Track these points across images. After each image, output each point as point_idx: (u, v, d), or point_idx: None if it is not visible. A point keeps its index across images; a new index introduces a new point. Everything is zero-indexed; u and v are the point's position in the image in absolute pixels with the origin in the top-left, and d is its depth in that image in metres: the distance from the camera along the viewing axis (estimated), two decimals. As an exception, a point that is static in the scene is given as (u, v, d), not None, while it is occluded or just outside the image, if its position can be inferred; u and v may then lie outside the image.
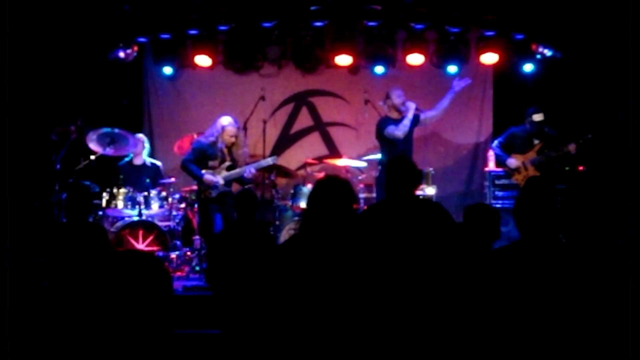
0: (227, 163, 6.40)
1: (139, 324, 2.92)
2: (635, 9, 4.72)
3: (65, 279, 4.68)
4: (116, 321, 2.94)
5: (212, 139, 6.34)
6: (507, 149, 6.80)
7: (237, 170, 6.40)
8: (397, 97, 6.47)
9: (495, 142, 7.00)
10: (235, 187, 6.58)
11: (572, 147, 6.46)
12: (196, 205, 6.72)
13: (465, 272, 3.47)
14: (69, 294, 3.93)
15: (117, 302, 2.98)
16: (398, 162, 3.79)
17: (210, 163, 6.34)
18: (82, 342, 2.98)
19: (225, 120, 6.37)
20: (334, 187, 2.86)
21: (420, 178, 3.78)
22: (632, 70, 4.55)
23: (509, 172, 6.74)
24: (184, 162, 6.33)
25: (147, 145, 7.21)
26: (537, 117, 6.61)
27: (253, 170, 6.46)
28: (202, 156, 6.32)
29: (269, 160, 6.68)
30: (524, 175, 6.66)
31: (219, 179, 6.29)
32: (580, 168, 6.76)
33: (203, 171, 6.27)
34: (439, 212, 3.69)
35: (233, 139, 6.38)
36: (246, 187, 6.87)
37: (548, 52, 7.34)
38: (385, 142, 6.40)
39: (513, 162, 6.74)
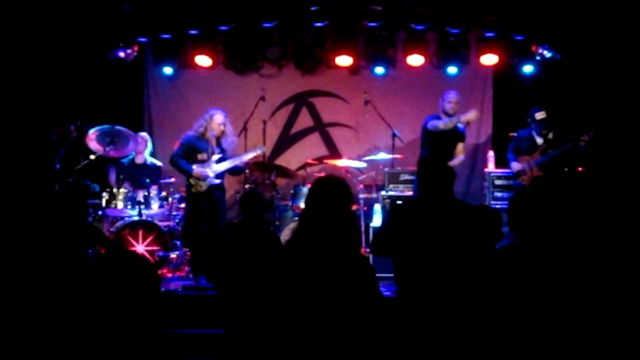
0: (217, 155, 6.25)
1: (125, 324, 2.93)
2: (635, 11, 4.73)
3: (56, 278, 4.69)
4: (102, 320, 2.94)
5: (200, 129, 6.18)
6: (517, 152, 6.85)
7: (227, 162, 6.27)
8: (446, 102, 6.51)
9: (509, 146, 7.01)
10: (228, 180, 6.52)
11: (586, 137, 6.40)
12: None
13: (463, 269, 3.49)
14: (58, 293, 3.94)
15: (102, 301, 2.99)
16: (431, 161, 3.79)
17: (200, 156, 6.18)
18: (71, 340, 2.99)
19: (214, 110, 6.28)
20: (330, 187, 2.86)
21: (453, 177, 3.76)
22: (633, 71, 4.57)
23: (517, 175, 6.79)
24: (173, 157, 6.19)
25: (149, 144, 7.19)
26: (539, 115, 6.64)
27: (244, 161, 6.40)
28: (191, 150, 6.18)
29: (258, 150, 6.53)
30: (529, 176, 6.69)
31: (209, 172, 6.14)
32: (579, 169, 6.77)
33: (192, 166, 6.13)
34: (478, 214, 3.68)
35: (222, 127, 6.23)
36: (248, 186, 6.89)
37: (548, 54, 7.35)
38: (426, 142, 6.46)
39: (514, 166, 6.78)
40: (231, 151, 6.40)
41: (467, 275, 3.44)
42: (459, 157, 6.60)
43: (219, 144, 6.29)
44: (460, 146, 6.61)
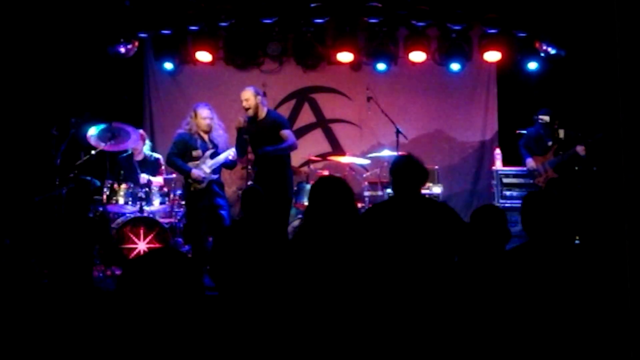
0: (211, 150, 6.11)
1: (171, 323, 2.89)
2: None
3: (75, 275, 4.65)
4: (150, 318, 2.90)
5: (189, 126, 6.07)
6: (529, 150, 6.80)
7: (221, 156, 6.10)
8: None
9: (520, 142, 6.95)
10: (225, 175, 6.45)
11: (580, 149, 6.40)
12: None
13: (472, 271, 3.45)
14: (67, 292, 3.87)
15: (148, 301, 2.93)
16: (401, 160, 3.76)
17: (194, 153, 6.05)
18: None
19: (198, 105, 6.16)
20: (329, 185, 2.89)
21: (425, 176, 3.72)
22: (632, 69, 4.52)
23: (532, 175, 6.73)
24: (169, 157, 6.07)
25: (147, 140, 7.13)
26: (543, 118, 6.61)
27: (235, 153, 6.20)
28: (185, 147, 6.05)
29: (246, 138, 6.23)
30: (544, 177, 6.64)
31: (205, 171, 6.01)
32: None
33: (189, 164, 6.00)
34: (445, 210, 3.66)
35: (207, 121, 6.08)
36: (249, 183, 6.83)
37: (552, 50, 7.30)
38: None
39: (530, 162, 6.72)
40: (222, 145, 6.20)
41: (434, 276, 3.41)
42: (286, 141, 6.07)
43: (210, 139, 6.16)
44: (283, 133, 6.09)
